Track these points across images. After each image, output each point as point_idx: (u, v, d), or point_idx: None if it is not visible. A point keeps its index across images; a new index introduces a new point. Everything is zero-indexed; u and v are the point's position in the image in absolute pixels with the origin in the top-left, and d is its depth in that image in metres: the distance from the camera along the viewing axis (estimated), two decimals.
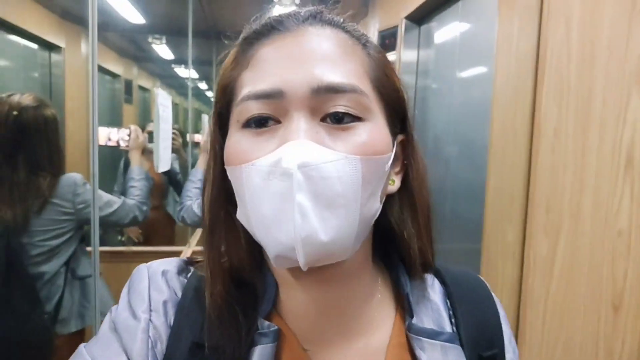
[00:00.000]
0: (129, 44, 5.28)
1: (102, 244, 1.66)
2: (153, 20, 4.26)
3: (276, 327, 0.46)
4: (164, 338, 0.46)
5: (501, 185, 1.17)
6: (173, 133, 2.34)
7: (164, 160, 1.93)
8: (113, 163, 3.47)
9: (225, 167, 0.46)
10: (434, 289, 0.54)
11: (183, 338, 0.45)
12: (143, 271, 0.50)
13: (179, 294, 0.49)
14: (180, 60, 5.66)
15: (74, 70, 3.88)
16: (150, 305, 0.47)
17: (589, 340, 0.96)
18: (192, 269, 0.52)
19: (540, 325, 1.03)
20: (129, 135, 2.08)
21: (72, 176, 1.67)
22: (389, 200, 0.50)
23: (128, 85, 5.58)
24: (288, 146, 0.40)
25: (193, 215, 1.96)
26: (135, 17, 3.95)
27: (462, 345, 0.49)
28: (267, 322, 0.46)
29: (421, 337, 0.48)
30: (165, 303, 0.47)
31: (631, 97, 0.85)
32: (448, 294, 0.54)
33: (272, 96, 0.42)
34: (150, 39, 4.84)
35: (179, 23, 3.41)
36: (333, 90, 0.42)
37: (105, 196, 1.80)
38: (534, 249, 1.09)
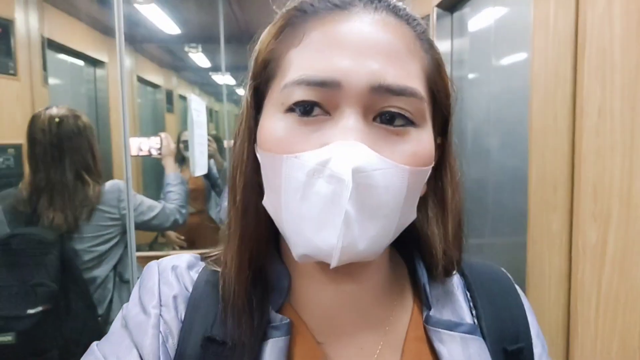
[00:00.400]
0: (167, 54, 5.47)
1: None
2: (188, 29, 4.39)
3: (288, 320, 0.45)
4: (175, 333, 0.45)
5: (544, 172, 1.12)
6: (208, 139, 2.40)
7: (200, 165, 1.97)
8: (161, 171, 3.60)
9: (259, 150, 0.43)
10: (453, 281, 0.52)
11: (194, 332, 0.45)
12: (153, 268, 0.50)
13: (190, 289, 0.48)
14: (217, 68, 5.79)
15: (118, 84, 4.04)
16: (160, 300, 0.47)
17: None
18: (202, 264, 0.51)
19: (593, 319, 0.97)
20: (160, 143, 2.13)
21: (116, 183, 1.75)
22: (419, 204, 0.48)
23: (169, 95, 5.77)
24: (339, 146, 0.37)
25: None
26: (171, 27, 4.08)
27: (484, 338, 0.47)
28: (279, 315, 0.45)
29: (439, 329, 0.46)
30: (175, 298, 0.47)
31: None
32: (467, 285, 0.52)
33: (327, 85, 0.39)
34: (186, 48, 4.98)
35: (212, 30, 3.49)
36: (393, 91, 0.39)
37: (147, 201, 1.87)
38: (582, 238, 1.03)
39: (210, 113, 8.21)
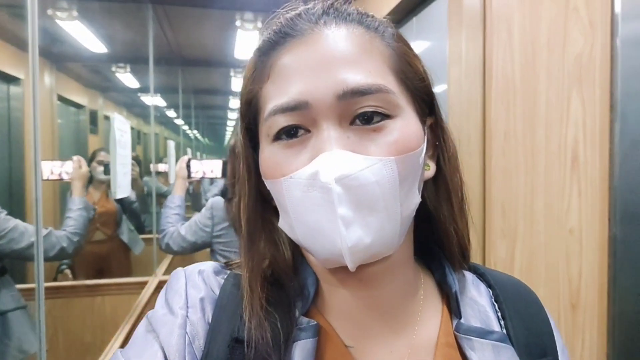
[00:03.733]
0: (93, 74, 5.23)
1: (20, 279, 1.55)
2: (115, 48, 4.23)
3: (315, 323, 0.46)
4: (201, 334, 0.46)
5: None
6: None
7: (122, 186, 1.87)
8: None
9: (264, 180, 0.46)
10: (480, 291, 0.52)
11: (221, 334, 0.45)
12: (180, 272, 0.51)
13: (217, 292, 0.49)
14: (146, 89, 5.61)
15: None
16: (187, 301, 0.47)
17: None
18: (227, 272, 0.52)
19: None
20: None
21: None
22: (425, 185, 0.49)
23: (93, 115, 5.50)
24: (322, 158, 0.40)
25: (180, 240, 1.92)
26: (97, 46, 3.91)
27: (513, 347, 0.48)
28: (306, 319, 0.46)
29: (471, 337, 0.46)
30: (202, 300, 0.48)
31: (572, 96, 0.87)
32: (495, 296, 0.52)
33: (298, 108, 0.42)
34: (114, 68, 4.80)
35: (142, 51, 3.40)
36: (359, 93, 0.41)
37: (20, 227, 1.67)
38: (494, 253, 1.09)
39: (139, 135, 7.90)
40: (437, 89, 1.56)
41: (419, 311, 0.49)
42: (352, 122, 0.42)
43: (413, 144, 0.43)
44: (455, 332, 0.47)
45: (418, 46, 1.74)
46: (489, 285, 0.53)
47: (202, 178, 2.40)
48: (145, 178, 3.91)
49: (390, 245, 0.43)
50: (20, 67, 3.44)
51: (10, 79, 3.46)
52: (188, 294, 0.48)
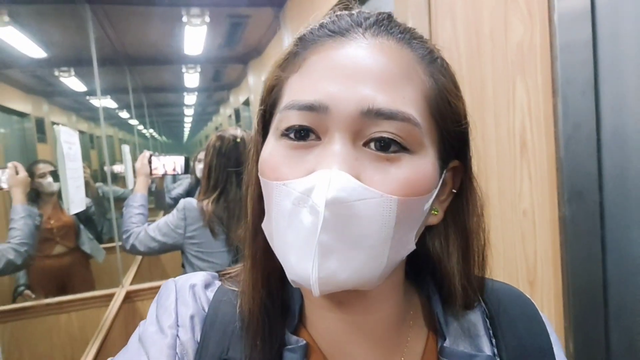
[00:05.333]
0: (34, 80, 4.96)
1: None
2: (56, 52, 4.03)
3: (305, 342, 0.45)
4: (190, 354, 0.45)
5: None
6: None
7: (76, 201, 1.79)
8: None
9: (259, 175, 0.43)
10: (474, 309, 0.49)
11: (210, 354, 0.45)
12: (171, 286, 0.50)
13: (206, 308, 0.48)
14: (94, 91, 5.39)
15: None
16: (177, 320, 0.47)
17: None
18: (218, 283, 0.51)
19: None
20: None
21: None
22: (429, 229, 0.46)
23: (39, 123, 5.23)
24: (320, 175, 0.37)
25: (148, 241, 1.83)
26: (35, 51, 3.71)
27: None
28: (294, 337, 0.45)
29: None
30: (192, 318, 0.47)
31: (516, 83, 0.89)
32: (487, 312, 0.49)
33: (316, 109, 0.39)
34: (57, 72, 4.56)
35: (84, 52, 3.24)
36: (383, 115, 0.38)
37: None
38: None
39: (91, 139, 7.60)
40: None
41: (406, 335, 0.48)
42: (365, 144, 0.39)
43: (423, 187, 0.40)
44: (439, 356, 0.45)
45: None
46: (482, 301, 0.50)
47: (165, 175, 2.32)
48: (98, 183, 3.76)
49: (368, 284, 0.40)
50: None
51: None
52: (178, 312, 0.47)
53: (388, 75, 0.39)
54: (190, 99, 7.51)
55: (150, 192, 2.43)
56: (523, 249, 0.95)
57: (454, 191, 0.46)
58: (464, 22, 0.99)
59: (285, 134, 0.41)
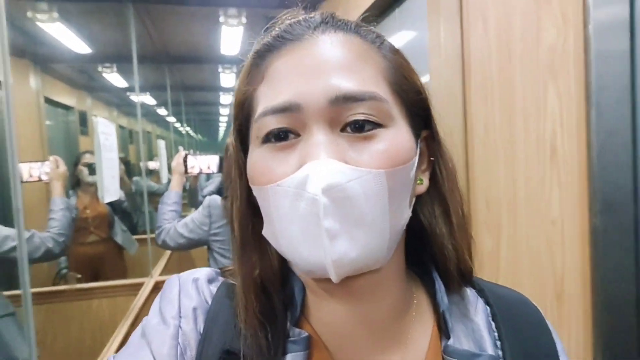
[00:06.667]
0: (79, 75, 5.18)
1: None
2: (100, 48, 4.19)
3: (307, 334, 0.45)
4: (193, 345, 0.46)
5: None
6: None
7: (110, 190, 1.86)
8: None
9: (250, 185, 0.45)
10: (477, 309, 0.50)
11: (213, 345, 0.45)
12: (174, 280, 0.51)
13: (209, 301, 0.49)
14: (134, 87, 5.58)
15: (21, 105, 3.76)
16: (180, 311, 0.47)
17: None
18: (221, 279, 0.52)
19: None
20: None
21: None
22: (419, 199, 0.48)
23: (83, 116, 5.46)
24: (310, 167, 0.39)
25: (177, 237, 1.92)
26: (81, 46, 3.87)
27: None
28: (297, 330, 0.46)
29: None
30: (195, 309, 0.48)
31: (547, 88, 0.86)
32: (493, 315, 0.50)
33: (289, 109, 0.41)
34: (100, 68, 4.75)
35: (126, 50, 3.36)
36: (351, 99, 0.41)
37: (3, 231, 1.69)
38: (480, 246, 1.09)
39: (131, 134, 7.85)
40: (422, 80, 1.56)
41: (410, 329, 0.48)
42: (342, 129, 0.42)
43: (404, 156, 0.42)
44: (443, 354, 0.46)
45: (401, 38, 1.72)
46: (487, 302, 0.51)
47: (199, 174, 2.38)
48: (135, 178, 3.89)
49: (377, 259, 0.42)
50: None
51: None
52: (181, 304, 0.48)
53: (346, 62, 0.42)
54: (225, 98, 7.64)
55: (184, 190, 2.49)
56: (550, 260, 0.91)
57: (432, 159, 0.49)
58: (495, 24, 0.97)
59: (266, 139, 0.43)
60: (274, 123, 0.42)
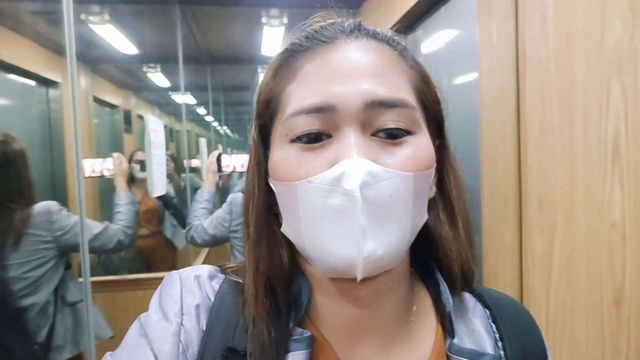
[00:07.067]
0: (125, 74, 5.37)
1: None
2: (146, 49, 4.33)
3: (309, 334, 0.45)
4: (195, 343, 0.45)
5: (495, 186, 1.15)
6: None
7: (159, 185, 1.92)
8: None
9: (272, 181, 0.46)
10: (476, 312, 0.52)
11: (215, 343, 0.45)
12: (175, 276, 0.51)
13: (212, 298, 0.49)
14: (177, 87, 5.74)
15: (71, 104, 3.93)
16: (182, 308, 0.47)
17: (594, 339, 0.93)
18: (222, 276, 0.52)
19: (544, 327, 0.99)
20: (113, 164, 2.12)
21: (45, 204, 1.68)
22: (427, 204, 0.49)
23: (127, 115, 5.65)
24: (346, 165, 0.40)
25: (203, 234, 1.98)
26: (128, 47, 4.01)
27: None
28: (299, 329, 0.46)
29: (463, 358, 0.46)
30: (197, 307, 0.47)
31: (611, 85, 0.83)
32: (492, 317, 0.52)
33: (323, 110, 0.42)
34: (145, 68, 4.91)
35: (171, 50, 3.46)
36: (385, 104, 0.42)
37: (95, 229, 1.80)
38: (531, 248, 1.06)
39: (171, 133, 8.08)
40: (468, 78, 1.53)
41: (412, 326, 0.49)
42: (374, 134, 0.43)
43: (428, 161, 0.44)
44: (448, 353, 0.47)
45: (448, 35, 1.70)
46: (485, 306, 0.53)
47: (233, 172, 2.43)
48: (184, 174, 4.02)
49: (396, 259, 0.43)
50: (58, 71, 3.57)
51: (49, 83, 3.59)
52: (183, 301, 0.47)
53: (380, 69, 0.43)
54: None
55: (217, 188, 2.55)
56: (610, 264, 0.88)
57: (439, 168, 0.50)
58: (555, 20, 0.94)
59: (297, 139, 0.43)
60: (307, 123, 0.42)
